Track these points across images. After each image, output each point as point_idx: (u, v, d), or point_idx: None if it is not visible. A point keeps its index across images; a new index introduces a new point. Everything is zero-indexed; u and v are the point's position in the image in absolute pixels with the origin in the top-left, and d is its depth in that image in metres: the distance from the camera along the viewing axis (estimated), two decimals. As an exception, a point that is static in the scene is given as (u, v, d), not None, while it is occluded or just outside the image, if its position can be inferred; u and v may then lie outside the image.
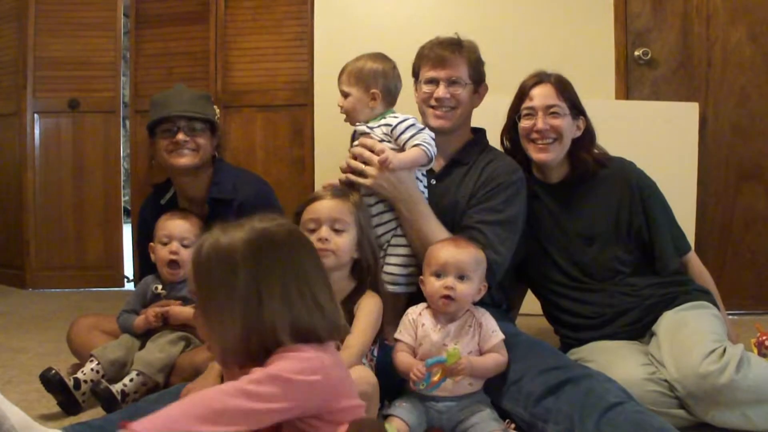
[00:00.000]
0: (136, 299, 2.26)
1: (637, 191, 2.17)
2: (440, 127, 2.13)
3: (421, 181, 2.06)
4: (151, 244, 2.27)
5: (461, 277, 1.76)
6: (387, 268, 2.00)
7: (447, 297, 1.75)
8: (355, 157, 1.99)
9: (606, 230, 2.16)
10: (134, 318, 2.19)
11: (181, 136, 2.30)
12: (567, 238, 2.19)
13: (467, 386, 1.73)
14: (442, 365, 1.63)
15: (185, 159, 2.31)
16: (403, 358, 1.76)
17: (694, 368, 1.71)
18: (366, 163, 1.96)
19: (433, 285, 1.77)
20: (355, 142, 2.04)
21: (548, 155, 2.16)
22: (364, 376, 1.55)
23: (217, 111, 2.50)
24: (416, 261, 1.99)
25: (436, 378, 1.64)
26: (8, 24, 4.25)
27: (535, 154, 2.17)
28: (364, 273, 1.81)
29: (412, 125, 1.99)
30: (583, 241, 2.18)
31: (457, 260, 1.76)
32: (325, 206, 1.77)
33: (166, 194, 2.47)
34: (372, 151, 1.95)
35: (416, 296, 1.95)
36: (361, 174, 1.96)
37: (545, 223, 2.22)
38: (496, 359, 1.76)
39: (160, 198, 2.48)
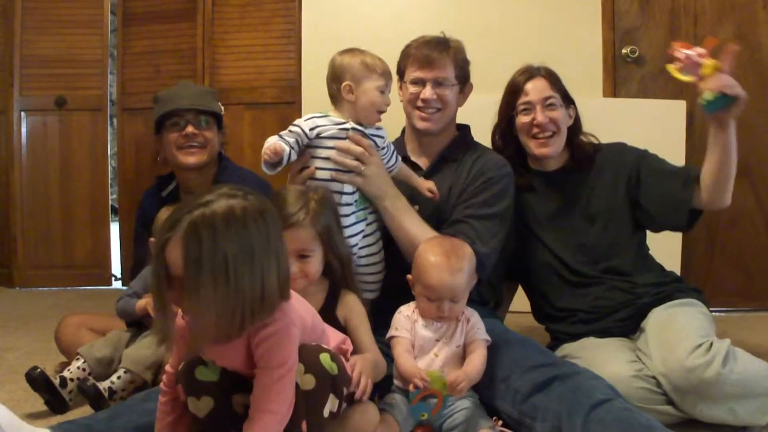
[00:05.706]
0: (139, 283, 2.25)
1: (634, 166, 2.17)
2: (426, 129, 2.12)
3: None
4: (152, 239, 2.26)
5: (454, 300, 1.74)
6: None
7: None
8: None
9: (607, 207, 2.17)
10: (135, 301, 2.17)
11: (190, 129, 2.33)
12: (567, 221, 2.20)
13: (456, 387, 1.74)
14: (431, 392, 1.63)
15: (194, 158, 2.33)
16: (406, 361, 1.72)
17: (680, 362, 1.72)
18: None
19: (424, 302, 1.76)
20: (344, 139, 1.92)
21: (550, 149, 2.18)
22: (370, 416, 1.56)
23: (222, 108, 2.50)
24: (383, 266, 1.97)
25: (437, 406, 1.64)
26: (-6, 21, 4.22)
27: (537, 149, 2.18)
28: (336, 271, 1.76)
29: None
30: (584, 221, 2.18)
31: (452, 288, 1.72)
32: (287, 240, 1.55)
33: (168, 186, 2.49)
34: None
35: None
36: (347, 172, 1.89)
37: (543, 213, 2.23)
38: (481, 355, 1.74)
39: (161, 189, 2.51)
